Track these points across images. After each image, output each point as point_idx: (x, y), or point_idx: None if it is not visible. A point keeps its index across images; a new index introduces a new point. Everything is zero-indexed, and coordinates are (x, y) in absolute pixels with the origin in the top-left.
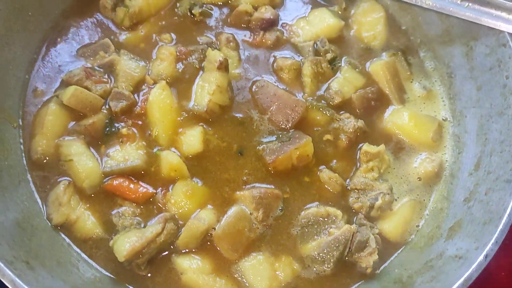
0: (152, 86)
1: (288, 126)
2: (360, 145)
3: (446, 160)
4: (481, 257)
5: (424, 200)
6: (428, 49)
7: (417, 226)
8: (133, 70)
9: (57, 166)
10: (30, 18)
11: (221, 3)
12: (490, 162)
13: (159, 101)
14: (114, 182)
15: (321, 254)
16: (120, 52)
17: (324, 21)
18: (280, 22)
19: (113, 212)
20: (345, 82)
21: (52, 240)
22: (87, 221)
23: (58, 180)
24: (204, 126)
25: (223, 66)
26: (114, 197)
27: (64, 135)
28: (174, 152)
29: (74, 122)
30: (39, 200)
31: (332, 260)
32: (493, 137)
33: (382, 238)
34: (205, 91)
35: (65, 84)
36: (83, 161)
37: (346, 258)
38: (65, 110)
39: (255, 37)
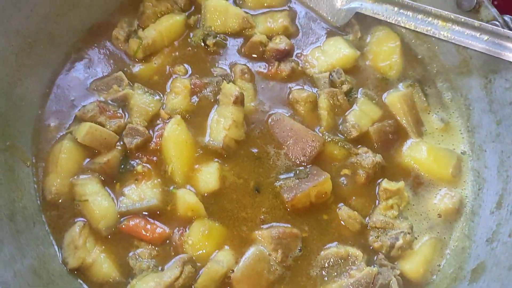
0: (167, 121)
1: (305, 162)
2: (379, 180)
3: (466, 196)
4: None
5: (445, 238)
6: (445, 80)
7: (439, 265)
8: (147, 105)
9: (72, 206)
10: (42, 52)
11: (234, 33)
12: None
13: (174, 137)
14: (130, 222)
15: None
16: (134, 85)
17: (339, 51)
18: (295, 52)
19: (130, 255)
20: (362, 115)
21: (69, 285)
22: (104, 265)
23: (74, 221)
24: (220, 162)
25: (239, 101)
26: (130, 238)
27: (79, 173)
28: (190, 190)
29: (88, 159)
30: (54, 243)
31: None
32: None
33: (403, 278)
34: (220, 126)
35: (78, 119)
36: (99, 201)
37: None
38: (79, 147)
39: (270, 68)
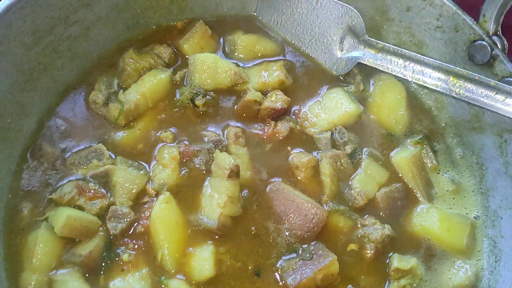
0: (154, 198)
1: (308, 238)
2: (390, 254)
3: (482, 268)
4: None
5: None
6: (455, 134)
7: None
8: (132, 182)
9: None
10: (10, 125)
11: (226, 89)
12: None
13: (163, 218)
14: None
15: None
16: (116, 159)
17: (341, 107)
18: (293, 109)
19: None
20: (367, 179)
21: None
22: None
23: None
24: (215, 244)
25: (234, 174)
26: None
27: (58, 267)
28: (183, 280)
29: (67, 251)
30: None
31: None
32: None
33: None
34: (214, 203)
35: (54, 203)
36: None
37: None
38: (57, 237)
39: (266, 129)
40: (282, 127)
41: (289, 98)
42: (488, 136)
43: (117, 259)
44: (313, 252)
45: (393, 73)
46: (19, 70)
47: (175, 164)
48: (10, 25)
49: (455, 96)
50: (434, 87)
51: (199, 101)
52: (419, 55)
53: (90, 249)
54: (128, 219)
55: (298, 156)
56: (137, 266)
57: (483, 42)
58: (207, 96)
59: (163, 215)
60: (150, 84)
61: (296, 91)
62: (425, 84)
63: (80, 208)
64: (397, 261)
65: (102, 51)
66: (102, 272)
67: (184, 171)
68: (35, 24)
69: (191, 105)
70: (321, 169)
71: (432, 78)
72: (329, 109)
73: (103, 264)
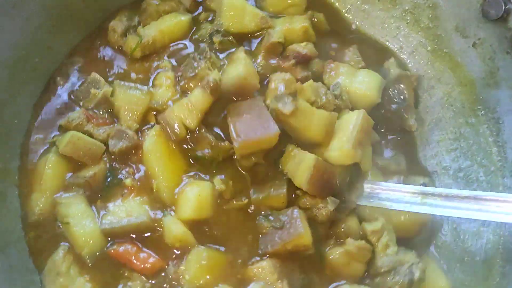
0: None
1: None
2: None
3: None
4: None
5: None
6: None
7: None
8: (134, 103)
9: (55, 227)
10: (36, 64)
11: (250, 32)
12: None
13: (155, 150)
14: (120, 248)
15: None
16: (114, 83)
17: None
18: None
19: (120, 287)
20: None
21: None
22: None
23: (57, 244)
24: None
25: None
26: (118, 267)
27: (63, 189)
28: (177, 220)
29: (71, 174)
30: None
31: None
32: None
33: None
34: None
35: (64, 130)
36: (82, 225)
37: None
38: (64, 160)
39: (286, 63)
40: (300, 71)
41: (317, 52)
42: (503, 91)
43: (119, 183)
44: (284, 221)
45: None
46: (48, 13)
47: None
48: None
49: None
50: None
51: (217, 38)
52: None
53: (94, 171)
54: (129, 142)
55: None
56: (139, 192)
57: None
58: (226, 38)
59: (154, 148)
60: (170, 23)
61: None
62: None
63: (88, 134)
64: (368, 225)
65: None
66: (103, 196)
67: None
68: None
69: (209, 41)
70: None
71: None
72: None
73: (106, 187)
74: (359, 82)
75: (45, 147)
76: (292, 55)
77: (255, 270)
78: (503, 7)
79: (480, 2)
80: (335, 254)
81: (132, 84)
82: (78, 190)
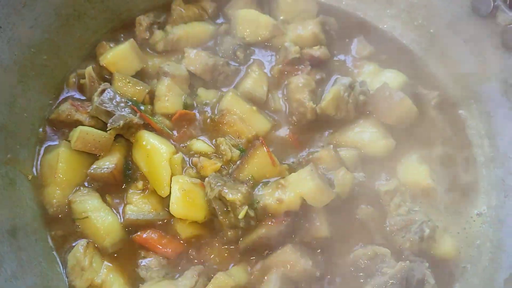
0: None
1: None
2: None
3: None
4: None
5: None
6: (462, 87)
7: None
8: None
9: (71, 225)
10: (45, 61)
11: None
12: None
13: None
14: (144, 235)
15: None
16: (114, 75)
17: None
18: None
19: (141, 263)
20: None
21: None
22: (114, 284)
23: (77, 241)
24: None
25: None
26: (137, 250)
27: (81, 182)
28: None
29: (94, 166)
30: (58, 260)
31: None
32: None
33: (439, 263)
34: None
35: (54, 122)
36: (102, 217)
37: None
38: (75, 154)
39: (302, 68)
40: (314, 73)
41: (329, 54)
42: (493, 83)
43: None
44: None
45: None
46: (57, 13)
47: None
48: None
49: None
50: None
51: (240, 53)
52: None
53: (115, 162)
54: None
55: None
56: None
57: None
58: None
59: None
60: (197, 28)
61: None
62: None
63: (79, 122)
64: (382, 186)
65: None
66: (123, 188)
67: None
68: None
69: (232, 55)
70: None
71: None
72: None
73: (125, 176)
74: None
75: (54, 142)
76: (306, 59)
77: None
78: (492, 4)
79: None
80: None
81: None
82: (92, 185)
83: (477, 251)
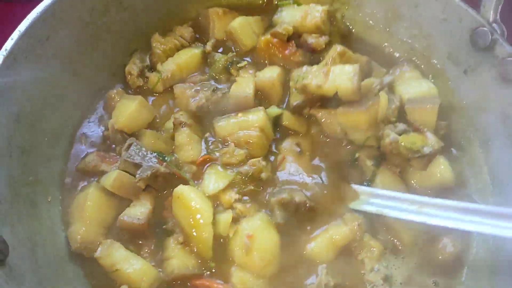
0: None
1: None
2: None
3: None
4: None
5: None
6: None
7: None
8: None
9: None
10: (62, 92)
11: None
12: None
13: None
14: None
15: None
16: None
17: None
18: None
19: None
20: None
21: None
22: None
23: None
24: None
25: None
26: None
27: (106, 225)
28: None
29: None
30: None
31: None
32: None
33: None
34: None
35: (81, 172)
36: (132, 265)
37: None
38: (106, 195)
39: (288, 50)
40: (298, 56)
41: (323, 46)
42: (492, 113)
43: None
44: None
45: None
46: (76, 41)
47: None
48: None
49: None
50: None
51: (234, 69)
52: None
53: (146, 213)
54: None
55: None
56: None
57: (484, 29)
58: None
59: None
60: (185, 57)
61: None
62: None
63: (103, 172)
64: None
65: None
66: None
67: None
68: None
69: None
70: None
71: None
72: None
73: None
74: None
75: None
76: (299, 44)
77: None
78: (490, 38)
79: (470, 32)
80: None
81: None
82: (116, 237)
83: None
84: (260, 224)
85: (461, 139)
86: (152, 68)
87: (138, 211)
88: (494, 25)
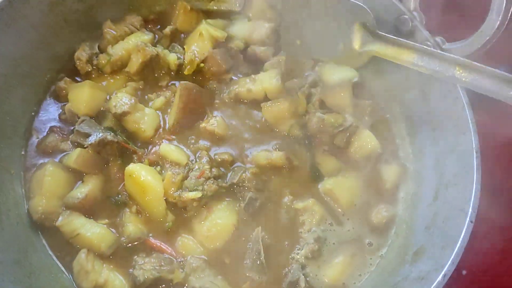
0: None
1: None
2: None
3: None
4: (439, 278)
5: None
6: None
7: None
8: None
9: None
10: (27, 72)
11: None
12: (446, 194)
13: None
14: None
15: None
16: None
17: None
18: None
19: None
20: None
21: None
22: (115, 281)
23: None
24: None
25: None
26: (132, 252)
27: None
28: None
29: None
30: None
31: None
32: (448, 171)
33: None
34: None
35: (42, 152)
36: (91, 230)
37: None
38: (62, 171)
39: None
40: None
41: (269, 56)
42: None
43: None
44: None
45: (407, 65)
46: (35, 31)
47: None
48: None
49: (461, 84)
50: (443, 78)
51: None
52: (428, 48)
53: (86, 192)
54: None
55: None
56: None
57: (405, 16)
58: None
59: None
60: (134, 42)
61: None
62: (436, 75)
63: (64, 151)
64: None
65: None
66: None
67: None
68: None
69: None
70: None
71: (441, 69)
72: None
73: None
74: None
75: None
76: (251, 54)
77: None
78: (410, 24)
79: (394, 20)
80: None
81: None
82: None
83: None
84: (225, 204)
85: (386, 114)
86: (102, 52)
87: (78, 192)
88: (414, 13)
